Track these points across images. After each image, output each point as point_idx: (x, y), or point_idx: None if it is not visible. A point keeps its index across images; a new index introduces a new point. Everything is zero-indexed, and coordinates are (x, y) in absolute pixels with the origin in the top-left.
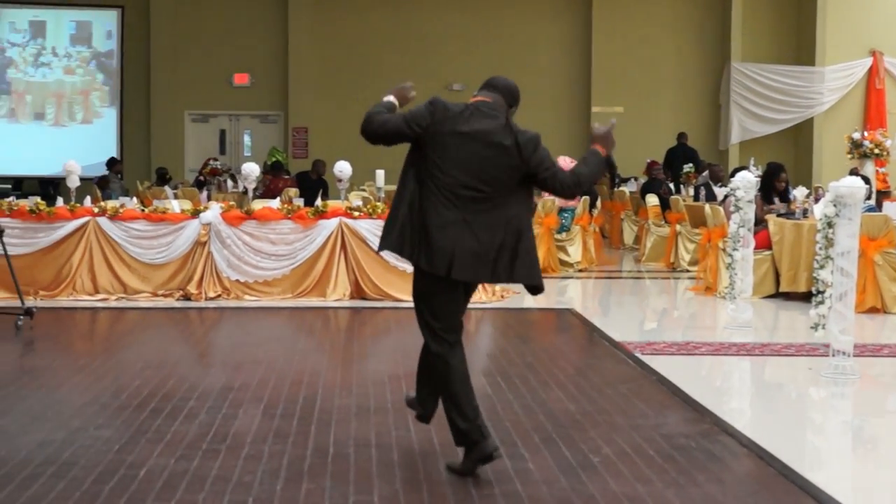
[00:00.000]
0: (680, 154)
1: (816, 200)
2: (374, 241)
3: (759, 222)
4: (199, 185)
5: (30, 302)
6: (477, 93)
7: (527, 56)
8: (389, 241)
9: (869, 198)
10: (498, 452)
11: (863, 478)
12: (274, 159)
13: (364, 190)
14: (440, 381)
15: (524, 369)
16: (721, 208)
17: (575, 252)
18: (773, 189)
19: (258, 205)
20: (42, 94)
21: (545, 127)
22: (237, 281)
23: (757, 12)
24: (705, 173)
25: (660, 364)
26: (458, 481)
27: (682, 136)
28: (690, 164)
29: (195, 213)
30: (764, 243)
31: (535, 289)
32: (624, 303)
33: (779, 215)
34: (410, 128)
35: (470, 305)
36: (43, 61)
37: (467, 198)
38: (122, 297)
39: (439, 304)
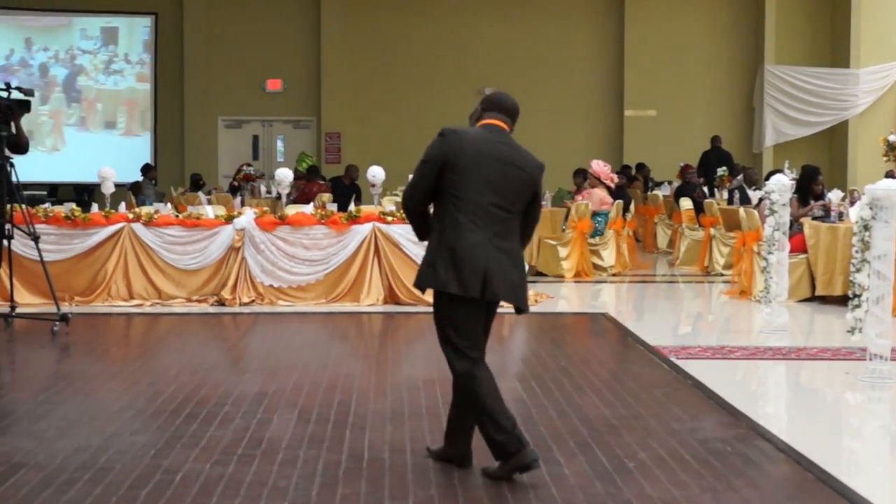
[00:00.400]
0: (714, 157)
1: (852, 203)
2: (408, 246)
3: (793, 224)
4: (233, 190)
5: (65, 308)
6: (487, 114)
7: (559, 60)
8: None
9: None
10: (536, 463)
11: None
12: (308, 164)
13: (397, 194)
14: (471, 399)
15: (559, 374)
16: (756, 212)
17: (609, 256)
18: (810, 192)
19: (292, 210)
20: (114, 103)
21: (578, 131)
22: (271, 286)
23: (791, 14)
24: (740, 177)
25: (695, 368)
26: (493, 486)
27: (716, 140)
28: (724, 168)
29: (229, 219)
30: (799, 247)
31: (520, 311)
32: (658, 307)
33: (814, 217)
34: (434, 167)
35: (502, 310)
36: (115, 68)
37: (492, 217)
38: (157, 303)
39: (469, 323)
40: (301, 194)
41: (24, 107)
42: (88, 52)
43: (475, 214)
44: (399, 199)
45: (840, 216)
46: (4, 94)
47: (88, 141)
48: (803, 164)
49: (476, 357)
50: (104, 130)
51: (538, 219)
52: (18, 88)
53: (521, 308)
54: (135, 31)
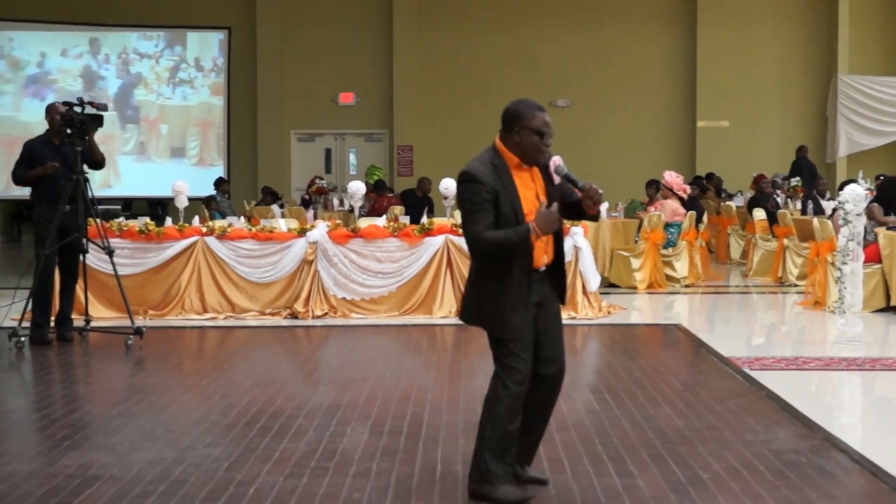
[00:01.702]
0: (806, 167)
1: None
2: None
3: (868, 234)
4: (305, 203)
5: (139, 321)
6: None
7: (632, 72)
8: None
9: None
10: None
11: None
12: (376, 178)
13: None
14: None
15: (631, 385)
16: (829, 222)
17: (681, 267)
18: (892, 202)
19: (364, 223)
20: (183, 122)
21: (650, 141)
22: (344, 299)
23: (864, 24)
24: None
25: (768, 379)
26: (568, 498)
27: (803, 150)
28: (798, 178)
29: (302, 232)
30: (873, 257)
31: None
32: (731, 318)
33: (889, 228)
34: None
35: (576, 322)
36: (182, 78)
37: None
38: (230, 316)
39: None
40: (373, 207)
41: (97, 121)
42: (148, 55)
43: None
44: None
45: None
46: (78, 110)
47: (150, 173)
48: (880, 173)
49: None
50: (171, 159)
51: (467, 236)
52: (91, 103)
53: (482, 327)
54: (206, 36)
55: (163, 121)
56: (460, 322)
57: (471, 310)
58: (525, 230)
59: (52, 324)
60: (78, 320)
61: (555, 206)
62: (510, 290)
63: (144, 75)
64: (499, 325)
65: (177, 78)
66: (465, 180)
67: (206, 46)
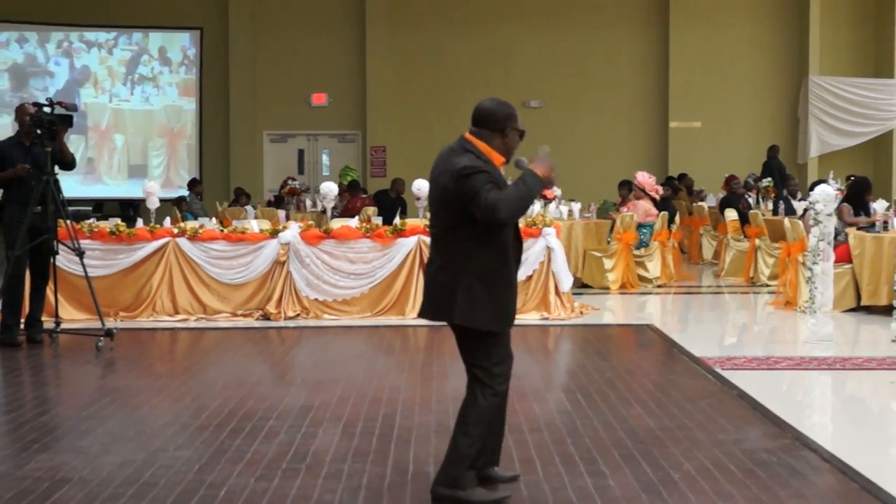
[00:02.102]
0: (776, 167)
1: None
2: None
3: (839, 234)
4: (276, 202)
5: (110, 323)
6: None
7: (604, 73)
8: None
9: None
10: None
11: None
12: (350, 178)
13: None
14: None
15: (604, 385)
16: (800, 222)
17: (654, 267)
18: (861, 202)
19: (337, 224)
20: (143, 132)
21: (622, 142)
22: (316, 300)
23: (835, 25)
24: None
25: (740, 379)
26: (540, 498)
27: (774, 150)
28: (769, 179)
29: (274, 233)
30: (844, 257)
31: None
32: (703, 318)
33: (859, 228)
34: None
35: (548, 322)
36: (143, 74)
37: (433, 238)
38: (202, 318)
39: None
40: (346, 208)
41: (67, 121)
42: (98, 44)
43: (430, 236)
44: None
45: (885, 226)
46: (48, 110)
47: (102, 197)
48: (850, 174)
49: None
50: (129, 180)
51: (484, 205)
52: (60, 103)
53: (449, 321)
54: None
55: (118, 130)
56: (434, 323)
57: (465, 308)
58: (529, 173)
59: (22, 326)
60: (48, 322)
61: (547, 149)
62: (508, 283)
63: (93, 70)
64: (500, 319)
65: (136, 74)
66: (470, 173)
67: (174, 35)
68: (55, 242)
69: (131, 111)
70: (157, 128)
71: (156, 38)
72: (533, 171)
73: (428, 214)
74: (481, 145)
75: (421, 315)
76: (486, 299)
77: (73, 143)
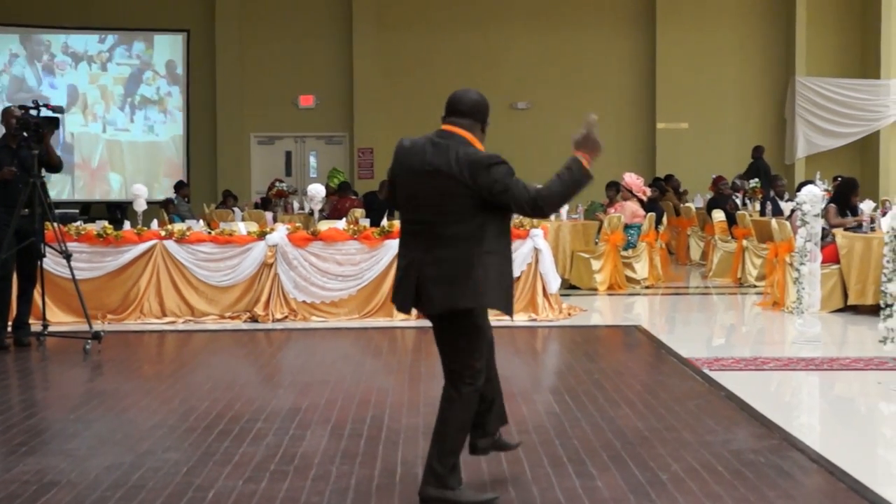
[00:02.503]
0: (762, 168)
1: (884, 214)
2: None
3: (826, 235)
4: (263, 204)
5: (98, 326)
6: (444, 120)
7: (591, 74)
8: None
9: None
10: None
11: None
12: (339, 180)
13: None
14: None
15: (592, 386)
16: (788, 223)
17: (641, 269)
18: (847, 203)
19: (324, 226)
20: (146, 168)
21: (609, 144)
22: (304, 302)
23: (821, 26)
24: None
25: (728, 380)
26: (528, 499)
27: (759, 150)
28: (756, 180)
29: (261, 235)
30: (831, 257)
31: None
32: (691, 319)
33: (846, 229)
34: (393, 181)
35: (536, 324)
36: (146, 96)
37: (424, 232)
38: (190, 320)
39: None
40: (333, 210)
41: (53, 123)
42: (88, 56)
43: (407, 232)
44: None
45: (872, 226)
46: (34, 113)
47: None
48: (837, 174)
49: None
50: None
51: (521, 200)
52: (46, 105)
53: (491, 307)
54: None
55: (113, 167)
56: (422, 324)
57: (474, 290)
58: (576, 163)
59: (9, 329)
60: (35, 325)
61: (594, 116)
62: (511, 269)
63: (81, 90)
64: (508, 301)
65: (137, 96)
66: (497, 162)
67: (179, 45)
68: (42, 245)
69: (131, 143)
70: (165, 164)
71: (162, 49)
72: (580, 161)
73: None
74: (470, 137)
75: (412, 307)
76: (496, 281)
77: (58, 183)
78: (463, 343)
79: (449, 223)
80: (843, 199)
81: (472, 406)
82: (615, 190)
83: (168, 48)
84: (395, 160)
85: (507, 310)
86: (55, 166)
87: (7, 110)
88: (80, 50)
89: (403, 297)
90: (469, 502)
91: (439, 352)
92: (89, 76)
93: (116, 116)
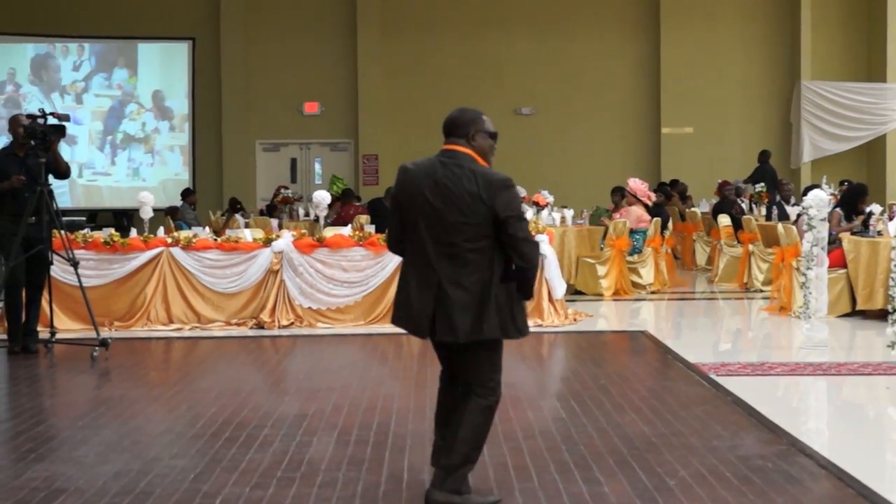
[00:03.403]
0: (770, 172)
1: (891, 218)
2: None
3: (834, 240)
4: (269, 211)
5: (105, 333)
6: (445, 140)
7: (596, 79)
8: None
9: None
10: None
11: None
12: (341, 187)
13: None
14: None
15: (598, 392)
16: (794, 227)
17: (647, 274)
18: (854, 209)
19: (329, 232)
20: None
21: (614, 149)
22: (310, 308)
23: (826, 30)
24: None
25: (735, 385)
26: None
27: (766, 155)
28: (762, 184)
29: (267, 242)
30: (838, 262)
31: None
32: (697, 324)
33: (853, 232)
34: (394, 205)
35: (542, 329)
36: (130, 133)
37: (436, 255)
38: (196, 327)
39: (440, 358)
40: (339, 217)
41: (60, 131)
42: (63, 89)
43: (416, 254)
44: None
45: (878, 230)
46: (41, 121)
47: None
48: (844, 179)
49: (443, 386)
50: None
51: (517, 239)
52: (52, 114)
53: (495, 337)
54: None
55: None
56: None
57: (495, 321)
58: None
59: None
60: (43, 332)
61: None
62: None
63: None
64: (525, 325)
65: (119, 132)
66: (511, 185)
67: (173, 71)
68: (49, 253)
69: (112, 189)
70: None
71: (149, 75)
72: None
73: None
74: (471, 153)
75: (427, 335)
76: (511, 308)
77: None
78: (485, 361)
79: (466, 248)
80: (851, 204)
81: (491, 415)
82: (620, 195)
83: (156, 74)
84: (399, 184)
85: (527, 332)
86: (63, 173)
87: (14, 119)
88: (53, 77)
89: (419, 323)
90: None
91: (455, 369)
92: (61, 109)
93: (95, 157)
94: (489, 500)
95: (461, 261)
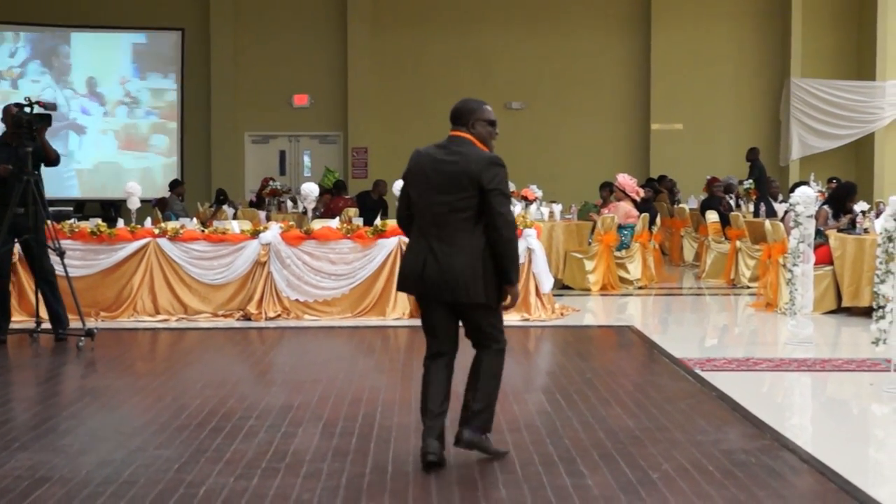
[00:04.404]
0: (761, 168)
1: (878, 215)
2: None
3: (819, 234)
4: (257, 203)
5: (91, 323)
6: (452, 128)
7: (586, 74)
8: None
9: None
10: (428, 456)
11: None
12: (334, 179)
13: None
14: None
15: (583, 386)
16: (781, 224)
17: (635, 269)
18: (843, 207)
19: (318, 224)
20: None
21: (604, 144)
22: (297, 300)
23: (816, 28)
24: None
25: (720, 380)
26: (519, 498)
27: (756, 151)
28: (750, 181)
29: (255, 234)
30: (824, 259)
31: (481, 306)
32: (684, 319)
33: (840, 230)
34: (404, 184)
35: (529, 323)
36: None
37: (434, 220)
38: (183, 318)
39: (427, 320)
40: (327, 209)
41: (46, 120)
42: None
43: (422, 219)
44: None
45: (864, 227)
46: (27, 110)
47: None
48: (832, 176)
49: (433, 352)
50: None
51: (497, 213)
52: (38, 103)
53: (475, 302)
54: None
55: None
56: (412, 323)
57: (480, 286)
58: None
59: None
60: (29, 322)
61: None
62: None
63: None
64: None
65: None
66: (501, 164)
67: (161, 49)
68: (39, 240)
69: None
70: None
71: (83, 56)
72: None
73: None
74: (472, 138)
75: (435, 298)
76: (492, 276)
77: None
78: (493, 320)
79: (458, 213)
80: (840, 202)
81: (502, 358)
82: (609, 190)
83: (93, 53)
84: (410, 164)
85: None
86: (53, 160)
87: (7, 108)
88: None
89: (421, 286)
90: (498, 452)
91: (441, 332)
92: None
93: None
94: (502, 450)
95: (456, 229)
